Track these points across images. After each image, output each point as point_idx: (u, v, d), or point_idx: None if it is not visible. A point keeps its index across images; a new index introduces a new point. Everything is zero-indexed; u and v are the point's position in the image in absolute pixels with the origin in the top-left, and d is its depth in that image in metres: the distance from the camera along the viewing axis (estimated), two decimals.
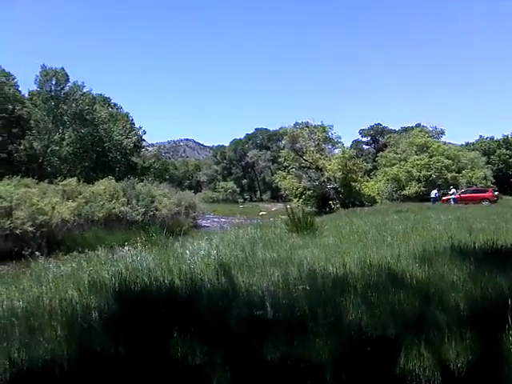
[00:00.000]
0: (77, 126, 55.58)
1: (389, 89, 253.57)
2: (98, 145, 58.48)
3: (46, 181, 31.09)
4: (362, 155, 78.81)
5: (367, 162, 61.77)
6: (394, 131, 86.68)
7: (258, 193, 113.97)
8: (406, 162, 52.49)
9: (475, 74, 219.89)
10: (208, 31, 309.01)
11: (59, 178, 31.54)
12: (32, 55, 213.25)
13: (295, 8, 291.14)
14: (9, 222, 21.16)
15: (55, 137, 53.84)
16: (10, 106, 49.97)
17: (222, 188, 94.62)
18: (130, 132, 62.65)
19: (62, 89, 54.10)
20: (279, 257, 7.53)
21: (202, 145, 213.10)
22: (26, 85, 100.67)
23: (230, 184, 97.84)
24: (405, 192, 49.60)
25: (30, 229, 21.56)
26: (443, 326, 4.01)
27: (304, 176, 50.19)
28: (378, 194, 50.71)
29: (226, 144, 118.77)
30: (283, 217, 26.05)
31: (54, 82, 53.60)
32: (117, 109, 66.01)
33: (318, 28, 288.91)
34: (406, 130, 79.02)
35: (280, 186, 55.40)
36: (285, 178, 52.73)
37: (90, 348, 4.02)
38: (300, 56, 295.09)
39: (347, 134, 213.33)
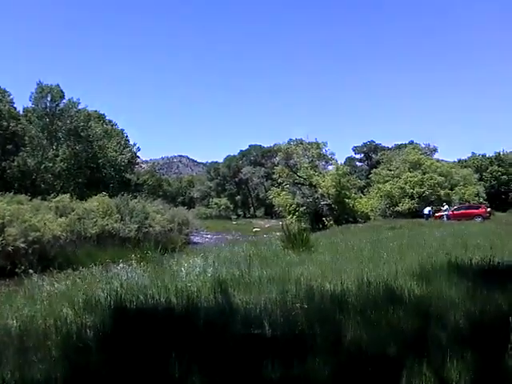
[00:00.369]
0: (71, 143, 55.39)
1: (382, 106, 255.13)
2: (92, 161, 58.31)
3: (39, 197, 30.91)
4: (355, 172, 78.95)
5: (360, 179, 61.90)
6: (388, 148, 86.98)
7: (252, 209, 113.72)
8: (399, 178, 52.64)
9: (468, 92, 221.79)
10: (200, 47, 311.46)
11: (52, 194, 31.34)
12: (26, 72, 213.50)
13: (288, 22, 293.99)
14: (0, 238, 20.96)
15: (49, 153, 53.63)
16: (5, 123, 49.89)
17: (215, 204, 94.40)
18: (124, 148, 62.61)
19: (57, 105, 54.07)
20: (276, 274, 7.47)
21: (196, 161, 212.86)
22: (21, 101, 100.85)
23: (224, 200, 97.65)
24: (398, 208, 49.70)
25: (22, 245, 21.35)
26: (444, 345, 3.98)
27: (298, 192, 50.21)
28: (372, 210, 50.75)
29: (220, 160, 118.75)
30: (278, 233, 26.12)
31: (49, 99, 53.60)
32: (111, 125, 65.95)
33: (311, 44, 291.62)
34: (399, 147, 79.27)
35: (274, 202, 55.27)
36: (279, 195, 52.65)
37: (85, 368, 3.94)
38: (294, 72, 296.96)
39: (340, 150, 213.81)
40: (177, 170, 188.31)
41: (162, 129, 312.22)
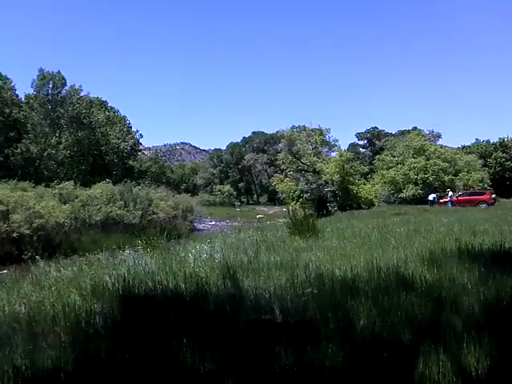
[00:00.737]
0: (74, 130, 55.38)
1: (385, 92, 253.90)
2: (95, 148, 58.35)
3: (43, 184, 30.96)
4: (358, 158, 78.73)
5: (364, 165, 61.74)
6: (391, 134, 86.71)
7: (255, 196, 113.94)
8: (403, 164, 52.49)
9: (471, 78, 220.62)
10: (204, 34, 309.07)
11: (56, 181, 31.40)
12: (28, 58, 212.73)
13: (293, 11, 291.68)
14: (5, 225, 21.00)
15: (52, 140, 53.62)
16: (7, 110, 49.84)
17: (218, 191, 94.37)
18: (126, 135, 62.60)
19: (59, 92, 54.03)
20: (284, 260, 7.41)
21: (199, 148, 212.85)
22: (22, 88, 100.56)
23: (227, 187, 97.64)
24: (402, 195, 49.62)
25: (27, 232, 21.40)
26: (460, 331, 3.91)
27: (301, 179, 50.26)
28: (376, 196, 50.75)
29: (223, 147, 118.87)
30: (281, 220, 26.08)
31: (50, 86, 53.55)
32: (114, 112, 65.87)
33: (314, 31, 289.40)
34: (402, 133, 79.04)
35: (277, 189, 55.38)
36: (282, 181, 52.71)
37: (95, 354, 3.90)
38: (297, 59, 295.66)
39: (344, 137, 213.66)
40: (179, 158, 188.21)
41: (165, 116, 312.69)
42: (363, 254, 7.57)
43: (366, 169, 59.15)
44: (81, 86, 55.77)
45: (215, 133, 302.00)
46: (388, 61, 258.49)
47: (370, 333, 4.05)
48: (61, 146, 54.61)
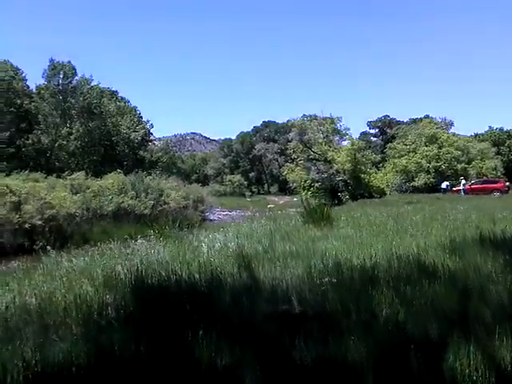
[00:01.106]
0: (84, 120, 55.42)
1: (396, 80, 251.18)
2: (106, 138, 58.37)
3: (54, 175, 30.99)
4: (369, 147, 78.03)
5: (376, 154, 61.23)
6: (403, 123, 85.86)
7: (266, 186, 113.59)
8: (415, 153, 51.99)
9: (483, 65, 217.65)
10: (212, 24, 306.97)
11: (67, 172, 31.38)
12: (39, 49, 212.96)
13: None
14: (17, 216, 21.00)
15: (63, 131, 53.73)
16: (19, 101, 49.96)
17: (229, 181, 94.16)
18: (137, 126, 62.53)
19: (70, 82, 54.08)
20: (299, 249, 7.24)
21: (209, 138, 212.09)
22: (33, 79, 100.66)
23: (238, 177, 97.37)
24: (414, 183, 49.24)
25: (39, 222, 21.39)
26: (489, 322, 3.72)
27: (313, 168, 49.91)
28: (387, 185, 50.39)
29: (233, 137, 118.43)
30: (292, 209, 25.89)
31: (61, 76, 53.60)
32: (124, 102, 65.76)
33: (325, 20, 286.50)
34: (414, 121, 78.20)
35: (288, 178, 55.11)
36: (293, 171, 52.40)
37: (108, 347, 3.76)
38: (307, 48, 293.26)
39: (355, 125, 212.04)
40: (190, 148, 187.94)
41: (175, 106, 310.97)
42: (381, 243, 7.38)
43: (378, 157, 58.68)
44: (91, 76, 55.80)
45: (225, 122, 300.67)
46: (398, 49, 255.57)
47: (393, 324, 3.87)
48: (72, 137, 54.69)
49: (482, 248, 6.25)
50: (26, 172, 29.81)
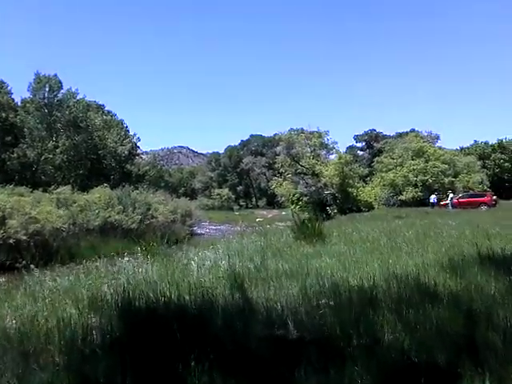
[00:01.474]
0: (71, 134, 54.92)
1: (382, 94, 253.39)
2: (93, 152, 57.85)
3: (40, 189, 30.53)
4: (356, 161, 78.28)
5: (363, 168, 61.34)
6: (389, 136, 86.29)
7: (254, 199, 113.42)
8: (403, 167, 52.17)
9: (469, 79, 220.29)
10: (201, 38, 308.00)
11: (53, 186, 30.93)
12: (24, 61, 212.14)
13: (289, 14, 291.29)
14: (2, 231, 20.54)
15: (49, 145, 53.18)
16: (4, 114, 49.42)
17: (217, 195, 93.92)
18: (124, 139, 62.13)
19: (56, 96, 53.62)
20: (293, 267, 6.99)
21: (196, 152, 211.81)
22: (19, 92, 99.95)
23: (226, 191, 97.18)
24: (401, 197, 49.31)
25: (24, 237, 20.94)
26: (500, 349, 3.50)
27: (301, 182, 49.92)
28: (375, 199, 50.45)
29: (221, 151, 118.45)
30: (282, 223, 25.69)
31: (47, 89, 53.12)
32: (111, 116, 65.39)
33: (311, 34, 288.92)
34: (400, 135, 78.60)
35: (276, 192, 55.02)
36: (281, 185, 52.35)
37: (93, 378, 3.48)
38: (294, 62, 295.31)
39: (341, 139, 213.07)
40: (177, 161, 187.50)
41: (162, 120, 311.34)
42: (376, 261, 7.17)
43: (366, 171, 58.81)
44: (77, 90, 55.43)
45: (213, 136, 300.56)
46: (385, 63, 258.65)
47: (398, 352, 3.63)
48: (58, 151, 54.14)
49: (483, 267, 6.05)
50: (11, 186, 29.22)
